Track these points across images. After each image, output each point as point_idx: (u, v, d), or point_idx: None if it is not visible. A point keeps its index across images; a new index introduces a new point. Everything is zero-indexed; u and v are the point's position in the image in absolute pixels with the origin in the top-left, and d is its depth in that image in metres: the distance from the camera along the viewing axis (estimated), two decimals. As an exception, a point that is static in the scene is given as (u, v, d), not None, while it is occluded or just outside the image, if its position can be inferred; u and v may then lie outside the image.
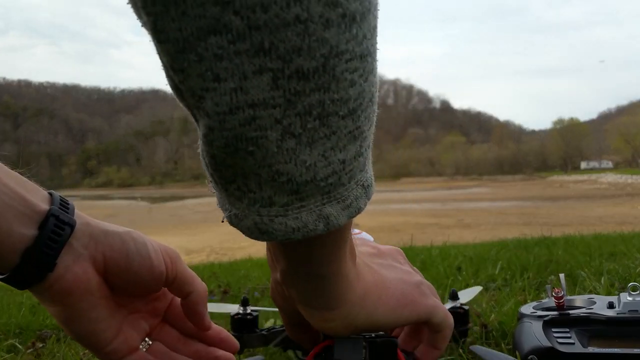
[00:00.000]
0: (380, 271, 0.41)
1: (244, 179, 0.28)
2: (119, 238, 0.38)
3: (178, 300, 0.45)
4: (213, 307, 0.73)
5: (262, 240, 0.31)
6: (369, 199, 0.32)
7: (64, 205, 0.37)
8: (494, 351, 0.54)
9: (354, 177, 0.30)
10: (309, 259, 0.35)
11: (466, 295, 0.65)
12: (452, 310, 0.68)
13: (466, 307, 0.71)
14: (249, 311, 0.68)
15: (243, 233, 0.31)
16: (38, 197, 0.37)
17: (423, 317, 0.42)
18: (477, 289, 0.70)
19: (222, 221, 0.31)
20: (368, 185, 0.32)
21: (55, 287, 0.36)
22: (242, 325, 0.67)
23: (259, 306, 1.08)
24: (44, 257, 0.35)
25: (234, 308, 0.70)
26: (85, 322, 0.38)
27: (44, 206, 0.36)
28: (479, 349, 0.62)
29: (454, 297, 0.70)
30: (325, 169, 0.28)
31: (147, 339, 0.43)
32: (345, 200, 0.30)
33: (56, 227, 0.35)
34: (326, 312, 0.38)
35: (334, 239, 0.34)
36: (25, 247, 0.34)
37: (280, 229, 0.29)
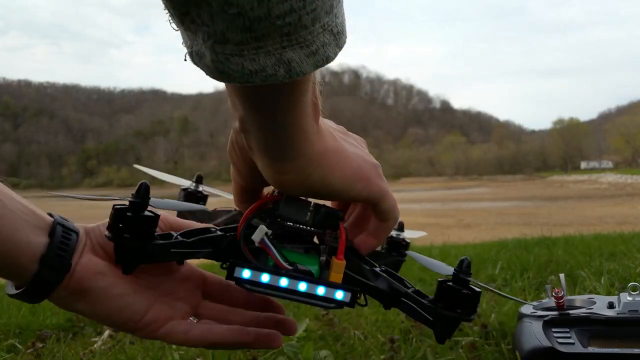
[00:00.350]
0: (342, 142, 0.40)
1: (197, 9, 0.26)
2: (104, 227, 0.42)
3: (214, 276, 0.48)
4: (166, 177, 0.73)
5: (222, 81, 0.29)
6: (340, 48, 0.30)
7: (62, 217, 0.42)
8: (429, 258, 0.53)
9: (319, 19, 0.27)
10: (268, 106, 0.33)
11: (410, 234, 0.66)
12: (395, 238, 0.70)
13: (408, 240, 0.71)
14: (200, 189, 0.69)
15: (205, 73, 0.29)
16: (40, 210, 0.41)
17: (374, 197, 0.41)
18: (422, 234, 0.72)
19: (185, 59, 0.29)
20: (338, 32, 0.29)
21: (71, 285, 0.40)
22: (191, 200, 0.68)
23: None
24: (59, 260, 0.39)
25: (186, 183, 0.70)
26: (110, 299, 0.41)
27: (49, 218, 0.41)
28: (413, 254, 0.63)
29: (400, 228, 0.71)
30: (281, 5, 0.25)
31: (191, 318, 0.45)
32: (310, 46, 0.28)
33: (64, 233, 0.40)
34: (282, 163, 0.36)
35: (294, 89, 0.32)
36: (40, 254, 0.39)
37: (237, 70, 0.28)
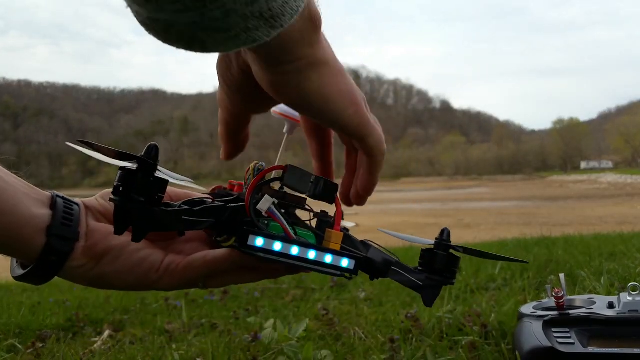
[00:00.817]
0: (340, 63, 0.39)
1: None
2: (102, 197, 0.44)
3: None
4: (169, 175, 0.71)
5: None
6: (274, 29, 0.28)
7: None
8: (398, 233, 0.55)
9: None
10: None
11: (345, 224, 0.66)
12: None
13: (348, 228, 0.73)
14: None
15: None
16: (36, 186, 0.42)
17: (363, 127, 0.40)
18: (353, 224, 0.71)
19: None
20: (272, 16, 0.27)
21: (86, 251, 0.40)
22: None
23: (260, 310, 1.07)
24: (66, 228, 0.40)
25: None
26: (129, 255, 0.42)
27: (47, 192, 0.42)
28: (386, 230, 0.63)
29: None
30: None
31: None
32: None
33: (66, 204, 0.41)
34: (280, 66, 0.35)
35: None
36: (46, 226, 0.39)
37: None
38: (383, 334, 0.90)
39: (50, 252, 0.39)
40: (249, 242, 0.39)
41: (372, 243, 0.47)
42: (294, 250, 0.41)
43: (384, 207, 17.09)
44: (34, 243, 0.38)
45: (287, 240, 0.40)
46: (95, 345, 0.97)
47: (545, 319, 0.67)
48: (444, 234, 0.46)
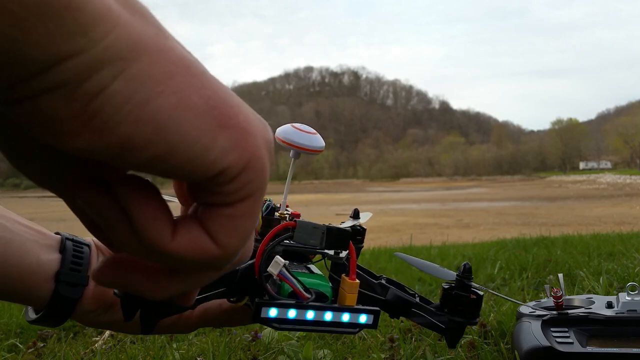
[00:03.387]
0: (173, 41, 0.20)
1: None
2: None
3: None
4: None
5: None
6: None
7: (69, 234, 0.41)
8: (415, 258, 0.53)
9: None
10: None
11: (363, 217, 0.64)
12: (353, 228, 0.68)
13: (365, 227, 0.71)
14: None
15: None
16: (47, 229, 0.41)
17: (244, 162, 0.20)
18: (370, 214, 0.69)
19: None
20: None
21: (95, 297, 0.39)
22: None
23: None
24: (75, 274, 0.38)
25: None
26: None
27: (57, 235, 0.41)
28: (401, 255, 0.61)
29: (357, 215, 0.69)
30: None
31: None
32: None
33: (76, 247, 0.40)
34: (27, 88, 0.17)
35: None
36: (54, 272, 0.38)
37: None
38: (383, 333, 0.90)
39: (59, 298, 0.38)
40: (262, 315, 0.38)
41: (389, 285, 0.44)
42: (310, 315, 0.38)
43: (384, 207, 17.08)
44: (43, 290, 0.37)
45: (301, 305, 0.38)
46: (96, 345, 0.97)
47: (544, 318, 0.68)
48: (465, 270, 0.44)
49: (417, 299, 0.44)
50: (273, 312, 0.38)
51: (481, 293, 0.44)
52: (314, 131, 0.46)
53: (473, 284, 0.44)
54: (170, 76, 0.18)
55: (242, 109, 0.20)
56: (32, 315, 0.40)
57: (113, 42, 0.17)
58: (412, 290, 0.45)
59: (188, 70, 0.19)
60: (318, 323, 0.39)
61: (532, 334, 0.65)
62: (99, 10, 0.16)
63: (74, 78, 0.16)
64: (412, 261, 0.53)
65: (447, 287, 0.44)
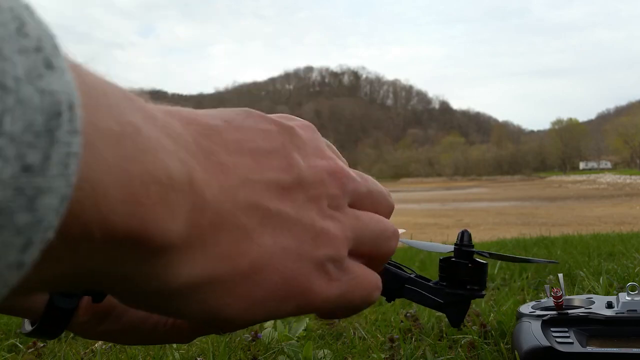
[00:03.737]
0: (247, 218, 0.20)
1: None
2: None
3: None
4: None
5: None
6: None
7: None
8: (422, 242, 0.49)
9: None
10: None
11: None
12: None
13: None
14: None
15: None
16: None
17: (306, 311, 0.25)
18: (403, 230, 0.63)
19: None
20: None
21: (88, 307, 0.38)
22: None
23: None
24: None
25: None
26: (132, 312, 0.38)
27: None
28: (406, 240, 0.59)
29: None
30: None
31: None
32: None
33: None
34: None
35: None
36: None
37: None
38: (383, 333, 0.90)
39: (54, 309, 0.37)
40: None
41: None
42: None
43: (383, 207, 17.07)
44: (37, 301, 0.37)
45: None
46: (96, 345, 0.97)
47: (544, 318, 0.68)
48: (464, 238, 0.39)
49: (413, 276, 0.39)
50: None
51: (484, 261, 0.38)
52: None
53: (474, 250, 0.38)
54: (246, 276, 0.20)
55: (303, 269, 0.22)
56: (28, 327, 0.39)
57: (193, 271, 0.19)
58: (411, 270, 0.40)
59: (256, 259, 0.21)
60: None
61: (532, 334, 0.65)
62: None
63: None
64: (412, 243, 0.53)
65: (443, 257, 0.39)
